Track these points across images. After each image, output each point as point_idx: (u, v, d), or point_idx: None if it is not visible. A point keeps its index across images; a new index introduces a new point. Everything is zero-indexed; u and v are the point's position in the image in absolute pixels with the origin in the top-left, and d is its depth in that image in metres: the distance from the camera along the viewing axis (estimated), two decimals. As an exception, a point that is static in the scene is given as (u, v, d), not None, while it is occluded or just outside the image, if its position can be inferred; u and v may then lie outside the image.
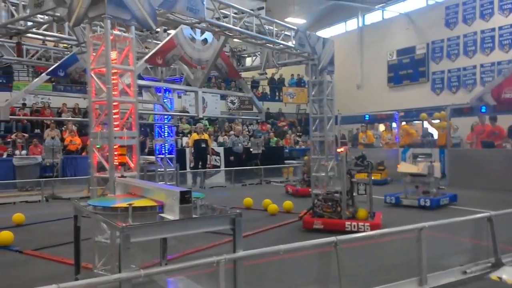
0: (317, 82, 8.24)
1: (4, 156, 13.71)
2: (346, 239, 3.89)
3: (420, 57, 21.39)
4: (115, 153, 4.66)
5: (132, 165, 4.89)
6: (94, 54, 4.73)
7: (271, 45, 7.68)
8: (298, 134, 21.74)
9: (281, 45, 7.55)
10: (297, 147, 19.68)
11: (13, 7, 5.46)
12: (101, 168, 4.84)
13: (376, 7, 22.93)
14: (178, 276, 4.47)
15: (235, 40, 7.68)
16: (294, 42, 7.55)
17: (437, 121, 14.84)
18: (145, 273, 2.96)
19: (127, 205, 3.47)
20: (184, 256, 5.50)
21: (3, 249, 6.17)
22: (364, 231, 6.57)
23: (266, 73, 9.65)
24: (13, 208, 9.56)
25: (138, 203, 3.63)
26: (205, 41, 7.69)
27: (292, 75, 25.29)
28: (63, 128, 16.02)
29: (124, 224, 3.07)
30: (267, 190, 12.51)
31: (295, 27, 7.65)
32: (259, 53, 9.68)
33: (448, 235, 6.02)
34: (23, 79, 18.46)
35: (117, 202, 3.91)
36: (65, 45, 8.63)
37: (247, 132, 19.28)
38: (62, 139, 15.20)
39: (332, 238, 3.62)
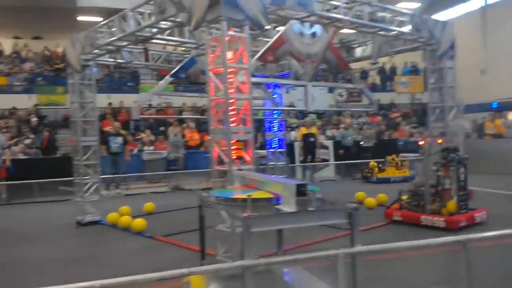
0: (436, 68, 7.66)
1: (135, 151, 15.35)
2: (476, 238, 3.56)
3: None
4: (233, 147, 4.93)
5: (248, 158, 5.12)
6: (212, 55, 5.04)
7: (384, 33, 7.35)
8: (413, 125, 20.44)
9: (395, 32, 7.17)
10: (412, 139, 18.51)
11: (140, 16, 6.07)
12: (220, 161, 5.15)
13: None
14: (294, 267, 4.56)
15: (345, 30, 7.52)
16: (409, 28, 7.12)
17: None
18: (267, 261, 3.09)
19: (247, 197, 3.64)
20: (299, 248, 5.58)
21: (138, 235, 6.94)
22: (438, 226, 6.44)
23: (378, 63, 9.25)
24: (144, 198, 10.70)
25: (256, 194, 3.79)
26: (314, 34, 7.65)
27: (406, 63, 23.80)
28: (184, 125, 17.37)
29: (245, 215, 3.23)
30: (378, 184, 12.08)
31: (409, 12, 7.20)
32: (370, 42, 9.32)
33: None
34: (148, 82, 20.41)
35: (236, 193, 4.13)
36: (183, 48, 9.36)
37: (357, 125, 18.74)
38: (183, 135, 16.49)
39: (461, 237, 3.34)
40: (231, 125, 4.90)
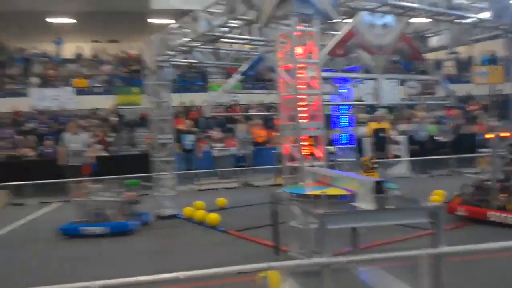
0: (521, 56, 7.03)
1: (206, 148, 15.85)
2: None
3: None
4: (304, 143, 4.90)
5: (319, 154, 5.07)
6: (282, 51, 5.04)
7: (462, 21, 6.88)
8: (493, 119, 18.94)
9: (473, 19, 6.69)
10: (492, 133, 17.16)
11: (211, 16, 6.22)
12: (291, 158, 5.14)
13: None
14: (371, 267, 4.44)
15: (418, 20, 7.15)
16: (489, 14, 6.61)
17: None
18: (347, 259, 3.05)
19: (321, 193, 3.61)
20: (374, 247, 5.41)
21: (212, 229, 7.17)
22: (508, 223, 6.01)
23: (456, 52, 8.69)
24: (215, 193, 11.01)
25: (330, 191, 3.74)
26: (385, 25, 7.35)
27: (485, 52, 22.09)
28: (251, 122, 17.61)
29: (321, 211, 3.20)
30: (458, 182, 11.31)
31: (490, -4, 6.68)
32: (445, 31, 8.77)
33: None
34: (217, 80, 20.94)
35: (309, 190, 4.11)
36: (249, 46, 9.46)
37: (431, 119, 17.76)
38: (251, 132, 16.73)
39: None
40: (302, 121, 4.87)
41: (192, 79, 21.28)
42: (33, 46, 22.74)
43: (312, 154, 4.99)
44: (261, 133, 16.94)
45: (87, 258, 5.92)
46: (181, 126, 13.48)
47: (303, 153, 4.85)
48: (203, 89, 20.33)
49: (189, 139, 12.50)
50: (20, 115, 17.31)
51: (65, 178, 11.59)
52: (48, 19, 22.83)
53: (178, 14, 20.02)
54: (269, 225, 6.75)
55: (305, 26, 4.90)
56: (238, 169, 13.21)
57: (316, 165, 4.89)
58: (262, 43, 7.10)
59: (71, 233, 7.03)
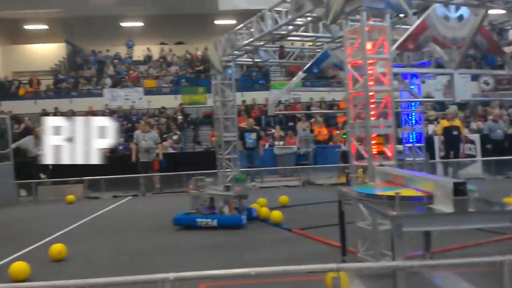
0: None
1: (267, 146, 15.97)
2: None
3: None
4: (373, 142, 4.76)
5: (389, 154, 4.90)
6: (350, 47, 4.93)
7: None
8: None
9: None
10: None
11: (277, 15, 6.24)
12: (359, 156, 5.02)
13: None
14: (445, 272, 4.22)
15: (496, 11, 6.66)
16: None
17: None
18: (421, 264, 2.95)
19: (394, 194, 3.48)
20: (447, 251, 5.14)
21: (275, 226, 7.20)
22: None
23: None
24: (277, 191, 11.04)
25: (404, 192, 3.59)
26: (460, 17, 6.93)
27: None
28: (312, 120, 17.47)
29: (395, 213, 3.09)
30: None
31: None
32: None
33: None
34: (278, 79, 21.02)
35: (380, 190, 3.98)
36: (310, 44, 9.36)
37: (507, 116, 16.51)
38: (312, 130, 16.59)
39: None
40: (371, 119, 4.74)
41: (253, 78, 21.54)
42: (107, 49, 24.23)
43: (381, 153, 4.83)
44: (322, 131, 16.76)
45: (161, 249, 6.19)
46: (243, 124, 13.68)
47: (372, 152, 4.71)
48: (265, 87, 20.50)
49: (251, 137, 12.65)
50: (94, 114, 18.52)
51: (136, 174, 12.25)
52: (121, 23, 24.23)
53: (242, 15, 20.38)
54: (333, 225, 6.68)
55: (375, 21, 4.76)
56: (299, 167, 13.13)
57: (386, 164, 4.74)
58: (327, 40, 6.99)
59: (184, 223, 7.27)
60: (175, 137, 15.93)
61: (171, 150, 14.67)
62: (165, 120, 17.65)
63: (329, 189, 11.17)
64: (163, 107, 18.97)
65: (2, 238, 7.49)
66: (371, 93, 4.74)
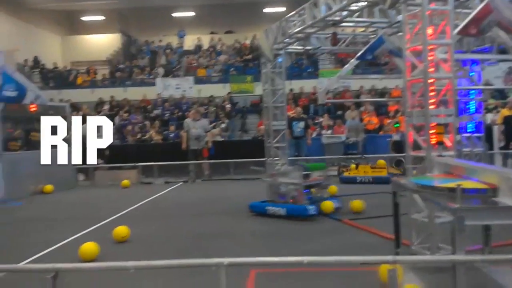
0: None
1: (314, 135, 15.80)
2: None
3: None
4: (432, 131, 4.57)
5: (449, 144, 4.69)
6: (410, 32, 4.73)
7: None
8: None
9: None
10: None
11: (331, 0, 6.06)
12: (416, 146, 4.84)
13: None
14: (505, 267, 4.01)
15: None
16: None
17: None
18: (483, 258, 2.79)
19: (455, 186, 3.33)
20: (506, 246, 4.87)
21: (326, 216, 7.12)
22: None
23: None
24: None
25: (467, 184, 3.43)
26: (530, -2, 6.45)
27: None
28: (361, 109, 17.05)
29: (458, 206, 2.96)
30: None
31: None
32: None
33: None
34: (326, 66, 20.62)
35: (439, 182, 3.82)
36: (361, 29, 9.05)
37: None
38: (362, 119, 16.20)
39: None
40: (430, 107, 4.54)
41: (302, 66, 21.29)
42: (159, 39, 24.88)
43: (440, 143, 4.63)
44: (372, 120, 16.33)
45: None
46: (291, 113, 13.60)
47: (431, 142, 4.52)
48: (313, 75, 20.21)
49: (298, 126, 12.56)
50: (148, 103, 19.14)
51: (187, 161, 12.58)
52: (173, 14, 24.78)
53: (291, 2, 20.13)
54: (383, 216, 6.54)
55: (438, 5, 4.52)
56: (348, 157, 12.89)
57: (446, 155, 4.53)
58: (384, 25, 6.74)
59: (256, 210, 7.43)
60: (223, 125, 16.16)
61: (219, 138, 14.91)
62: (214, 108, 17.92)
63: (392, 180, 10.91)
64: (212, 96, 19.25)
65: (65, 219, 8.00)
66: (430, 80, 4.53)
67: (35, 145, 11.88)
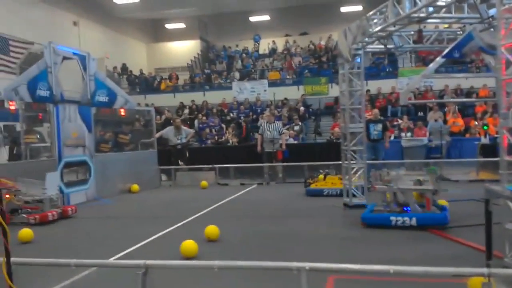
0: None
1: (392, 138, 15.16)
2: None
3: None
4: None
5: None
6: (505, 28, 4.36)
7: None
8: None
9: None
10: None
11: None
12: (510, 151, 4.45)
13: None
14: None
15: None
16: None
17: None
18: None
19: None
20: None
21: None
22: None
23: None
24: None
25: None
26: None
27: None
28: (445, 110, 16.06)
29: None
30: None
31: None
32: None
33: None
34: (406, 65, 19.73)
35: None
36: (446, 26, 8.47)
37: None
38: (445, 121, 15.27)
39: None
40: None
41: (380, 65, 20.59)
42: (236, 44, 25.60)
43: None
44: (457, 122, 15.30)
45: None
46: (368, 115, 13.18)
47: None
48: (391, 75, 19.48)
49: (375, 129, 12.13)
50: (225, 106, 19.73)
51: (261, 163, 12.75)
52: (250, 18, 25.37)
53: (367, 1, 19.59)
54: (471, 225, 6.08)
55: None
56: (430, 161, 12.16)
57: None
58: (475, 20, 6.28)
59: (376, 222, 6.58)
60: (296, 128, 16.13)
61: (291, 141, 14.91)
62: (287, 111, 17.97)
63: (465, 186, 10.17)
64: (285, 98, 19.33)
65: (152, 217, 8.52)
66: (529, 79, 4.14)
67: (123, 147, 12.85)
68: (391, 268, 2.79)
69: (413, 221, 6.33)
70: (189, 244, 5.40)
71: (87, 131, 10.47)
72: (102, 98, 10.90)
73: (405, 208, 6.58)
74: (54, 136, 9.68)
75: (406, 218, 6.38)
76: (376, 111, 13.14)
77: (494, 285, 3.49)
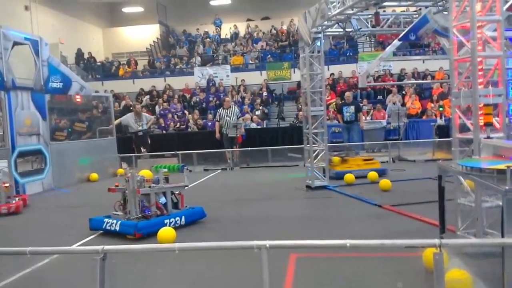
0: None
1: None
2: None
3: None
4: (480, 112, 4.36)
5: (497, 125, 4.46)
6: (457, 9, 4.51)
7: None
8: None
9: None
10: None
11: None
12: (463, 128, 4.65)
13: None
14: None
15: None
16: None
17: None
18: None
19: (505, 167, 3.17)
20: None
21: (365, 202, 6.99)
22: None
23: None
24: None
25: (518, 166, 3.25)
26: None
27: None
28: (403, 93, 16.54)
29: (508, 187, 2.83)
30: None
31: None
32: None
33: None
34: (366, 50, 20.10)
35: (488, 164, 3.66)
36: (402, 9, 8.69)
37: None
38: (403, 104, 15.73)
39: None
40: (479, 87, 4.32)
41: (341, 49, 20.86)
42: (196, 28, 25.12)
43: (488, 125, 4.41)
44: (415, 104, 15.81)
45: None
46: (328, 100, 13.38)
47: (479, 123, 4.31)
48: (352, 60, 19.78)
49: (348, 111, 12.28)
50: (187, 92, 19.43)
51: (223, 148, 12.72)
52: (210, 2, 24.88)
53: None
54: (425, 202, 6.35)
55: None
56: (388, 143, 12.56)
57: (495, 137, 4.32)
58: (428, 3, 6.46)
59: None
60: (258, 113, 16.16)
61: (254, 125, 14.93)
62: (251, 96, 17.95)
63: (422, 166, 10.59)
64: (243, 80, 19.27)
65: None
66: (479, 59, 4.31)
67: (80, 135, 12.43)
68: (348, 242, 2.86)
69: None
70: (166, 231, 5.28)
71: (41, 119, 10.04)
72: (56, 84, 10.45)
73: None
74: (6, 124, 9.22)
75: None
76: (348, 93, 13.13)
77: (446, 257, 3.67)
